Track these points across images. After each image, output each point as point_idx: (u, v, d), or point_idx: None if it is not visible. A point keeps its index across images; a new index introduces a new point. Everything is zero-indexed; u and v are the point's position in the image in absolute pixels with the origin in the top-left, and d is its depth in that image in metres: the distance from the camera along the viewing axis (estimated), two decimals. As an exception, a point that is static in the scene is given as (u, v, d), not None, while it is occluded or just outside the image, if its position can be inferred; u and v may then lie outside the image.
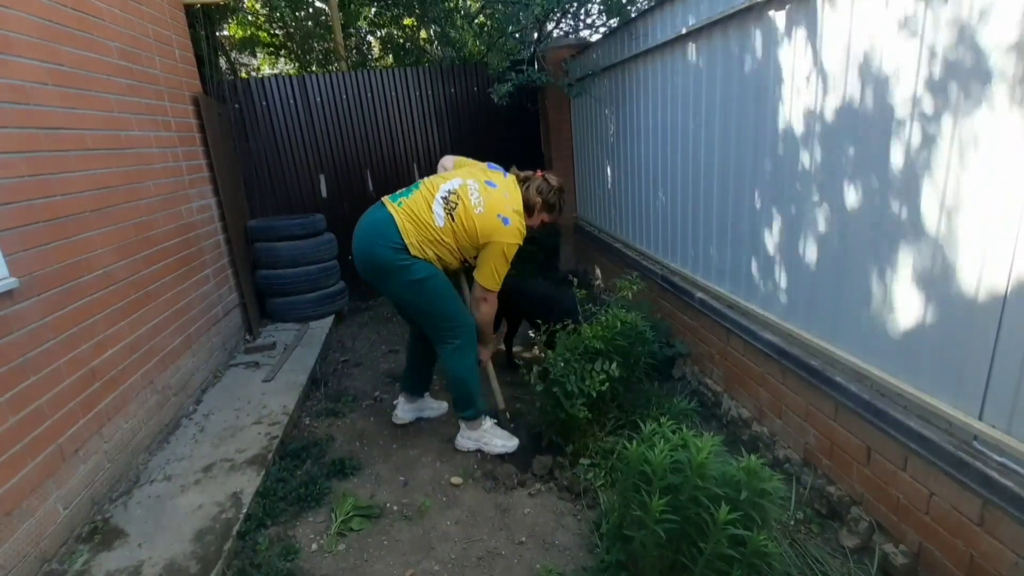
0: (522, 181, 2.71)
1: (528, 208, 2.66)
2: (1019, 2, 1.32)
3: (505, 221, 2.52)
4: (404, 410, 3.16)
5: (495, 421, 2.92)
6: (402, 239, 2.49)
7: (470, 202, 2.52)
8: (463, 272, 2.87)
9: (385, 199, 2.63)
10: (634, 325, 2.62)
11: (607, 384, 2.46)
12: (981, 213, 1.48)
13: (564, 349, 2.58)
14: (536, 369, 2.65)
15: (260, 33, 7.54)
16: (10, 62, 2.22)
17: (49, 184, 2.36)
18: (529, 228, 2.70)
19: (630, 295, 2.82)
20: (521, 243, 2.60)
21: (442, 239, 2.53)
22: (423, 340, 2.92)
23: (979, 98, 1.45)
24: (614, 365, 2.49)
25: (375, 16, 7.82)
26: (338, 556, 2.22)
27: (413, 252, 2.50)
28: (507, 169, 2.77)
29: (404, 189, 2.67)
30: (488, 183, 2.61)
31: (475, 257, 2.62)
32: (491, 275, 2.58)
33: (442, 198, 2.53)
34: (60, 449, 2.23)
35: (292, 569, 2.13)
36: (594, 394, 2.44)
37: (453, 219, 2.52)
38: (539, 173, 2.73)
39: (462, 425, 2.87)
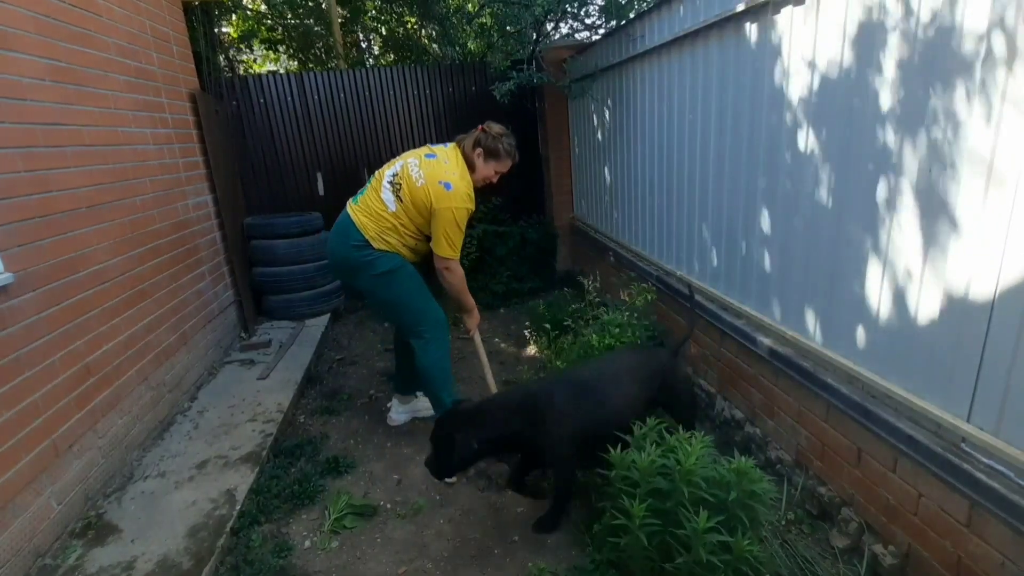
0: (460, 142, 2.69)
1: (470, 165, 2.63)
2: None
3: (447, 186, 2.50)
4: (398, 412, 3.17)
5: None
6: (362, 235, 2.56)
7: (411, 178, 2.54)
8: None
9: (348, 201, 2.71)
10: (640, 332, 2.63)
11: None
12: (969, 218, 1.49)
13: (575, 358, 2.58)
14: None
15: (260, 28, 7.52)
16: (8, 58, 2.22)
17: (46, 180, 2.36)
18: (486, 183, 2.69)
19: (641, 303, 2.81)
20: (471, 206, 2.57)
21: (399, 223, 2.57)
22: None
23: (958, 97, 1.46)
24: None
25: (377, 12, 7.82)
26: (331, 553, 2.22)
27: (376, 245, 2.56)
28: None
29: (361, 188, 2.74)
30: (428, 156, 2.61)
31: None
32: (445, 243, 2.55)
33: (388, 183, 2.59)
34: (54, 444, 2.23)
35: (285, 566, 2.14)
36: None
37: (401, 200, 2.55)
38: (480, 127, 2.68)
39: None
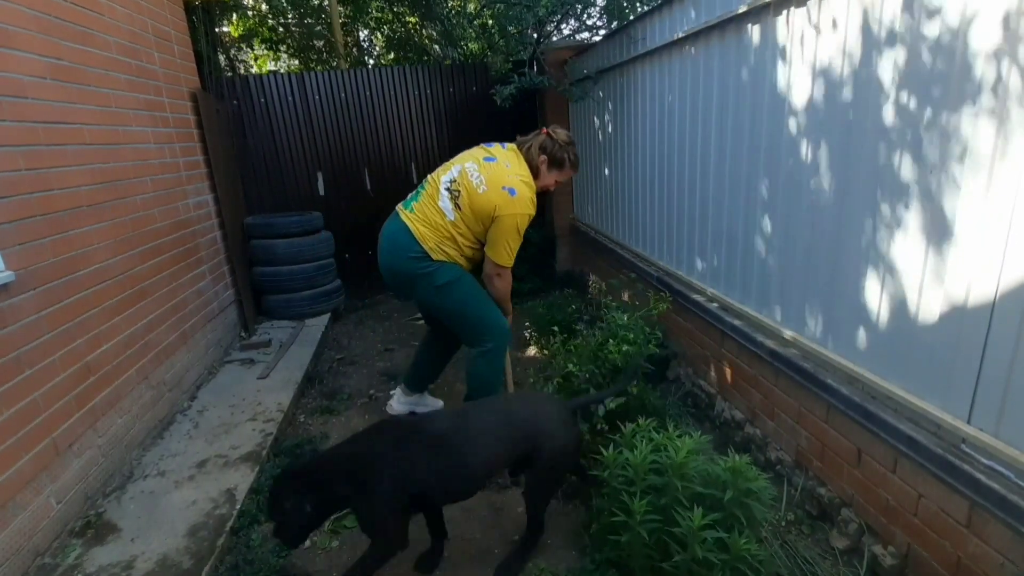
0: (523, 145, 2.57)
1: (533, 170, 2.53)
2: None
3: (511, 192, 2.39)
4: (399, 401, 3.14)
5: None
6: (421, 246, 2.45)
7: (472, 184, 2.43)
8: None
9: (399, 207, 2.60)
10: (648, 339, 2.59)
11: (625, 400, 2.44)
12: (970, 219, 1.49)
13: (588, 362, 2.55)
14: (556, 379, 2.62)
15: (262, 28, 7.53)
16: (9, 56, 2.22)
17: (47, 178, 2.36)
18: (545, 190, 2.61)
19: (658, 311, 2.76)
20: (533, 212, 2.48)
21: (458, 232, 2.47)
22: (442, 342, 2.90)
23: (966, 105, 1.46)
24: (634, 383, 2.47)
25: (378, 12, 7.83)
26: (331, 553, 2.22)
27: (435, 256, 2.46)
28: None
29: (413, 193, 2.63)
30: (487, 159, 2.50)
31: None
32: (504, 251, 2.46)
33: (446, 190, 2.48)
34: (54, 443, 2.23)
35: (285, 565, 2.14)
36: (613, 407, 2.43)
37: (460, 208, 2.44)
38: (544, 131, 2.58)
39: None
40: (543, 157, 2.53)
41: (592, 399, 2.39)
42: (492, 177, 2.42)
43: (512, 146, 2.59)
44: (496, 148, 2.57)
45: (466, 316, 2.58)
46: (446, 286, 2.49)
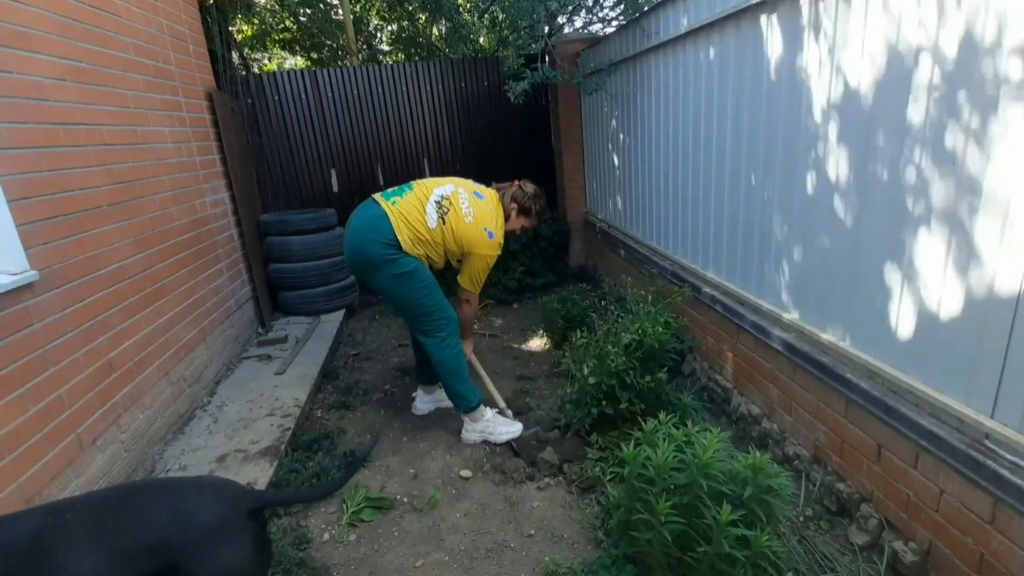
0: (500, 191, 2.89)
1: (505, 215, 2.86)
2: None
3: (490, 235, 2.72)
4: (423, 401, 3.24)
5: (497, 410, 2.98)
6: (395, 235, 2.60)
7: (461, 210, 2.68)
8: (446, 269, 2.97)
9: (377, 196, 2.74)
10: (674, 330, 2.68)
11: (660, 377, 2.52)
12: (996, 211, 1.46)
13: (622, 346, 2.60)
14: (591, 363, 2.65)
15: (273, 30, 7.58)
16: (30, 59, 2.26)
17: (68, 179, 2.40)
18: (510, 233, 2.93)
19: (680, 299, 2.86)
20: (500, 253, 2.82)
21: (433, 239, 2.67)
22: None
23: (996, 96, 1.43)
24: (660, 366, 2.56)
25: (387, 10, 7.83)
26: (349, 546, 2.25)
27: (405, 248, 2.62)
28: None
29: (395, 188, 2.80)
30: (476, 194, 2.78)
31: (459, 260, 2.80)
32: (474, 281, 2.81)
33: (435, 202, 2.68)
34: (79, 439, 2.28)
35: (304, 558, 2.17)
36: (647, 388, 2.51)
37: (444, 223, 2.66)
38: (516, 183, 2.92)
39: (464, 419, 2.91)
40: (513, 205, 2.87)
41: (287, 497, 1.86)
42: (479, 215, 2.71)
43: (493, 191, 2.89)
44: (484, 189, 2.87)
45: (417, 306, 2.73)
46: (406, 275, 2.65)
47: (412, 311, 2.76)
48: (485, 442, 2.88)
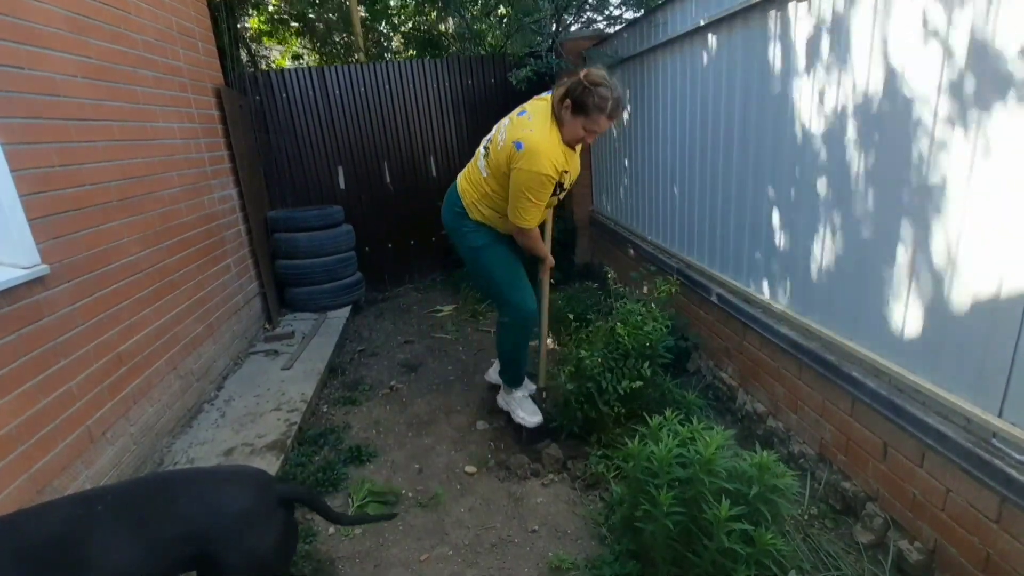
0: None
1: (559, 120, 2.23)
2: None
3: (517, 145, 2.19)
4: (496, 369, 3.13)
5: (530, 392, 2.96)
6: (461, 201, 2.58)
7: (497, 140, 2.37)
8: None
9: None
10: (663, 325, 2.61)
11: (639, 384, 2.45)
12: (1004, 208, 1.45)
13: (600, 346, 2.58)
14: (568, 369, 2.64)
15: (280, 28, 7.59)
16: (43, 55, 2.29)
17: (79, 174, 2.43)
18: (578, 143, 2.31)
19: (664, 295, 2.82)
20: (550, 173, 2.19)
21: (489, 190, 2.48)
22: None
23: (1001, 96, 1.42)
24: (646, 365, 2.49)
25: (398, 8, 7.83)
26: (355, 540, 2.27)
27: (472, 215, 2.57)
28: None
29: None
30: (520, 113, 2.34)
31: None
32: (516, 211, 2.33)
33: (483, 147, 2.53)
34: (89, 431, 2.30)
35: (310, 551, 2.19)
36: (625, 392, 2.45)
37: (489, 165, 2.43)
38: (580, 73, 2.22)
39: (501, 384, 2.97)
40: (567, 102, 2.19)
41: (316, 502, 1.82)
42: (511, 131, 2.28)
43: (549, 95, 2.37)
44: (535, 99, 2.39)
45: (490, 284, 2.72)
46: (479, 249, 2.62)
47: (485, 286, 2.81)
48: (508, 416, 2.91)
